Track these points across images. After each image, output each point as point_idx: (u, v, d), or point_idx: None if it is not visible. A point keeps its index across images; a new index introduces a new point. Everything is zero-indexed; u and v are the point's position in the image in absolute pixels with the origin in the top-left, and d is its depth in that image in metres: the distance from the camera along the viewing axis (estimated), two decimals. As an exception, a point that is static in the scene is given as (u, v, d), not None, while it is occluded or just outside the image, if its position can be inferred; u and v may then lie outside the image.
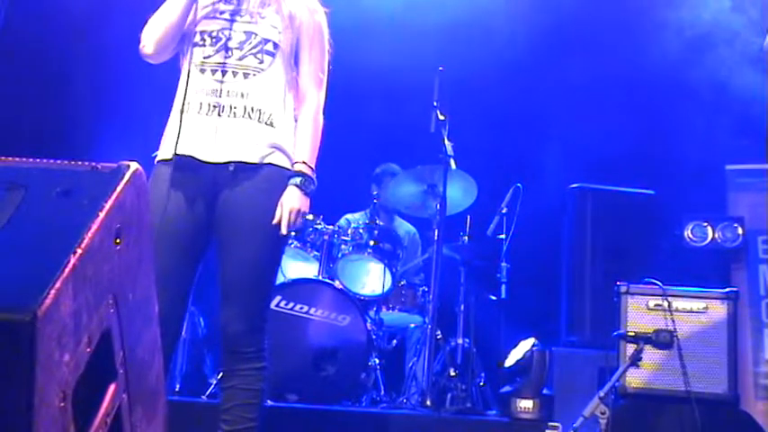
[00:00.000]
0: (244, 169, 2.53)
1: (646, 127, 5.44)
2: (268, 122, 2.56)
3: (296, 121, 2.65)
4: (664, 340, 3.34)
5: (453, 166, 4.26)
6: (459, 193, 4.54)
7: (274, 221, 2.50)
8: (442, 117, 4.26)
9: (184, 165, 2.49)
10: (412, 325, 4.61)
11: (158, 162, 2.58)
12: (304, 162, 2.59)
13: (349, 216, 5.03)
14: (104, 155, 2.58)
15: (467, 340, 4.39)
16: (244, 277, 2.52)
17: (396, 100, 5.59)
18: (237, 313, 2.50)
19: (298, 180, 2.56)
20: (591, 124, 5.51)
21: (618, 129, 5.42)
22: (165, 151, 2.56)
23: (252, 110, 2.54)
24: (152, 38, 2.59)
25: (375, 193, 4.99)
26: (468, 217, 4.66)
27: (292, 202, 2.53)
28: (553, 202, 5.05)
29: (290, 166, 2.59)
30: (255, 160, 2.53)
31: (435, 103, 4.27)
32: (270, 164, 2.56)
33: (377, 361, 4.19)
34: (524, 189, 4.57)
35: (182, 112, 2.50)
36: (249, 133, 2.53)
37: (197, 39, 2.58)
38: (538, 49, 5.58)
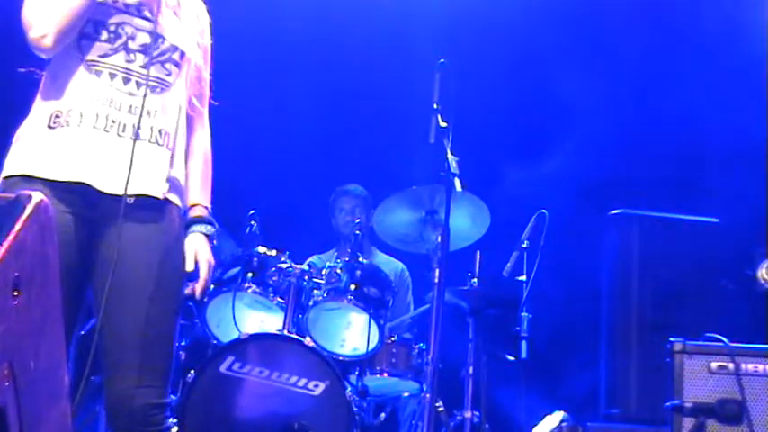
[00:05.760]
0: (144, 205, 2.53)
1: (706, 136, 5.47)
2: (169, 149, 2.60)
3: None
4: (730, 413, 3.35)
5: (459, 187, 4.27)
6: (467, 221, 4.55)
7: (191, 269, 2.60)
8: (443, 124, 4.28)
9: (66, 191, 2.43)
10: (405, 393, 4.61)
11: (17, 177, 2.46)
12: (206, 207, 2.72)
13: (317, 258, 5.01)
14: None
15: (476, 413, 4.38)
16: (147, 335, 2.49)
17: (384, 103, 5.62)
18: (138, 380, 2.47)
19: (205, 228, 2.67)
20: (634, 132, 5.54)
21: (670, 139, 5.45)
22: (34, 167, 2.45)
23: (159, 133, 2.57)
24: (54, 25, 2.45)
25: (337, 228, 5.02)
26: (479, 253, 4.67)
27: (207, 254, 2.65)
28: (588, 232, 5.06)
29: (181, 205, 2.66)
30: (159, 195, 2.56)
31: (436, 106, 4.29)
32: (169, 201, 2.60)
33: (360, 441, 4.18)
34: (551, 217, 4.57)
35: (67, 122, 2.47)
36: (154, 161, 2.55)
37: (89, 29, 2.52)
38: (563, 41, 5.63)
